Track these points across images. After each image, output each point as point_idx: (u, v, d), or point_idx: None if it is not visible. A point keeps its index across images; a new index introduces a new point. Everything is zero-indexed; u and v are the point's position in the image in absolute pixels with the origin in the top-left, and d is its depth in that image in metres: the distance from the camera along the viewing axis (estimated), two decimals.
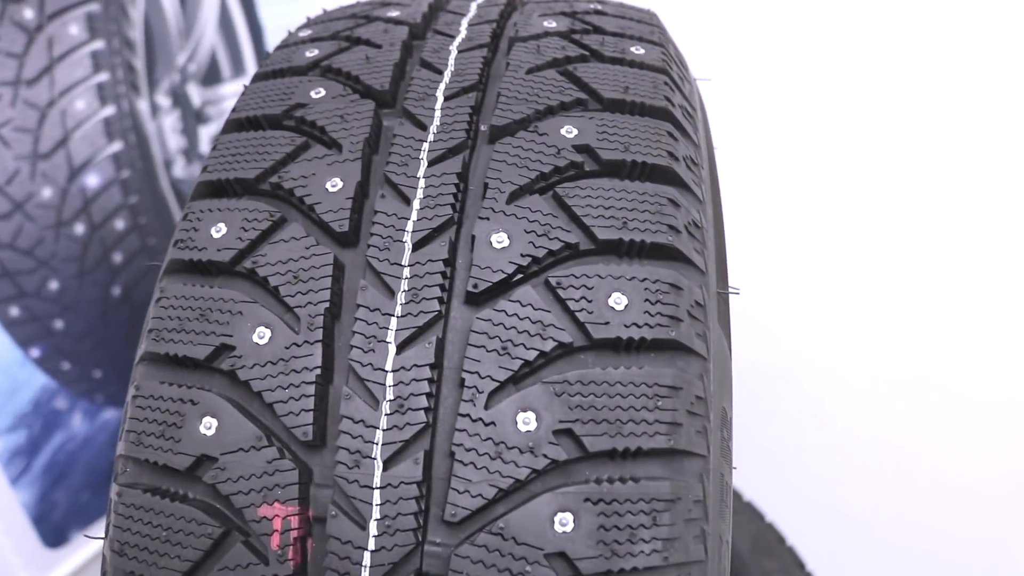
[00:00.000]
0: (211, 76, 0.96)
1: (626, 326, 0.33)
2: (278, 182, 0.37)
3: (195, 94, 0.95)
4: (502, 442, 0.31)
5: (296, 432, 0.32)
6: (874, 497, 1.21)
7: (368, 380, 0.32)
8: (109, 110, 0.84)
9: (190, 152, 0.96)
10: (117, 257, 0.89)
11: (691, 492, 0.32)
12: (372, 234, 0.35)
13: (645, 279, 0.34)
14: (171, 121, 0.92)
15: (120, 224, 0.88)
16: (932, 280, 1.14)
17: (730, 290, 0.44)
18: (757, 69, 1.07)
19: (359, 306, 0.34)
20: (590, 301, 0.33)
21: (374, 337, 0.33)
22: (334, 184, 0.37)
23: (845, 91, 1.05)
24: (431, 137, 0.38)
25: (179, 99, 0.93)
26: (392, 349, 0.33)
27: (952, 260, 1.12)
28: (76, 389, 0.91)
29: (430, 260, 0.34)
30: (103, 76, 0.83)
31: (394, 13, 0.47)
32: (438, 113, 0.39)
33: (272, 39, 1.04)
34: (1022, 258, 1.10)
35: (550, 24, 0.45)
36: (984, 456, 1.19)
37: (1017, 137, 1.04)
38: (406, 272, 0.34)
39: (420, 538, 0.31)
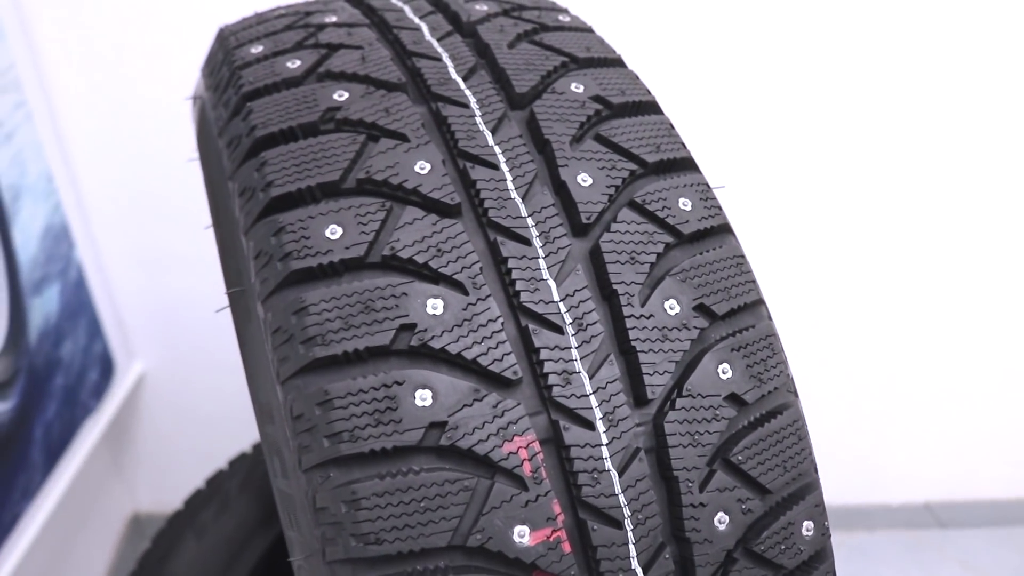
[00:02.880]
0: None
1: (698, 220, 0.42)
2: (367, 176, 0.40)
3: None
4: (664, 327, 0.39)
5: (506, 374, 0.37)
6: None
7: (546, 314, 0.38)
8: None
9: None
10: None
11: (774, 328, 0.43)
12: (483, 199, 0.40)
13: (690, 184, 0.44)
14: None
15: None
16: (928, 282, 1.24)
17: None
18: (754, 69, 1.09)
19: (506, 259, 0.39)
20: (669, 208, 0.42)
21: (533, 279, 0.39)
22: (422, 167, 0.40)
23: (840, 92, 1.10)
24: (478, 112, 0.43)
25: None
26: (553, 284, 0.39)
27: (948, 262, 1.23)
28: None
29: (543, 207, 0.40)
30: None
31: (334, 19, 0.50)
32: (467, 92, 0.44)
33: None
34: (1015, 260, 1.23)
35: (483, 7, 0.51)
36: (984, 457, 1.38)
37: (1007, 138, 1.14)
38: (530, 221, 0.40)
39: (638, 420, 0.38)
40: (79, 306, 1.13)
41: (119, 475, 1.38)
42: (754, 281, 0.43)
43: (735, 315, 0.41)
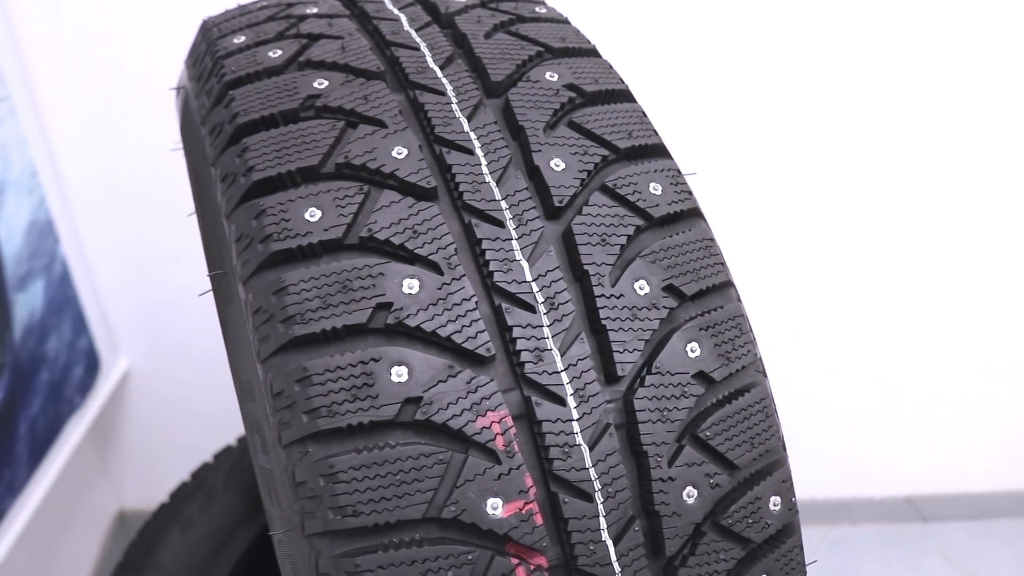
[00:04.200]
0: None
1: (668, 204, 0.44)
2: (346, 161, 0.41)
3: None
4: (633, 307, 0.40)
5: (480, 351, 0.38)
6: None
7: (519, 293, 0.39)
8: None
9: None
10: None
11: (742, 309, 0.44)
12: (458, 183, 0.41)
13: (661, 170, 0.45)
14: None
15: None
16: (907, 277, 1.25)
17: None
18: (749, 66, 1.09)
19: (480, 240, 0.40)
20: (640, 192, 0.43)
21: (506, 260, 0.40)
22: (399, 152, 0.41)
23: (838, 88, 1.10)
24: (454, 99, 0.44)
25: None
26: (526, 265, 0.40)
27: (929, 257, 1.23)
28: None
29: (516, 190, 0.41)
30: None
31: (315, 10, 0.51)
32: (444, 80, 0.45)
33: None
34: (995, 255, 1.23)
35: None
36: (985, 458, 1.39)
37: (1000, 135, 1.14)
38: (503, 204, 0.41)
39: (608, 397, 0.39)
40: (64, 301, 1.14)
41: (105, 471, 1.38)
42: (723, 263, 0.44)
43: (704, 296, 0.43)
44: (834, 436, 1.42)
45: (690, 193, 0.45)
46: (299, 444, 0.37)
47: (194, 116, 0.49)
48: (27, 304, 1.06)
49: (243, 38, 0.49)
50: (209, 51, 0.49)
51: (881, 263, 1.25)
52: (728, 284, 0.44)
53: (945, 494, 1.48)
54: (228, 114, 0.44)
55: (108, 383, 1.26)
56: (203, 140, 0.46)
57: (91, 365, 1.22)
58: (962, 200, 1.21)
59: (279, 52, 0.46)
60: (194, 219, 0.56)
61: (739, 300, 0.44)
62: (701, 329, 0.41)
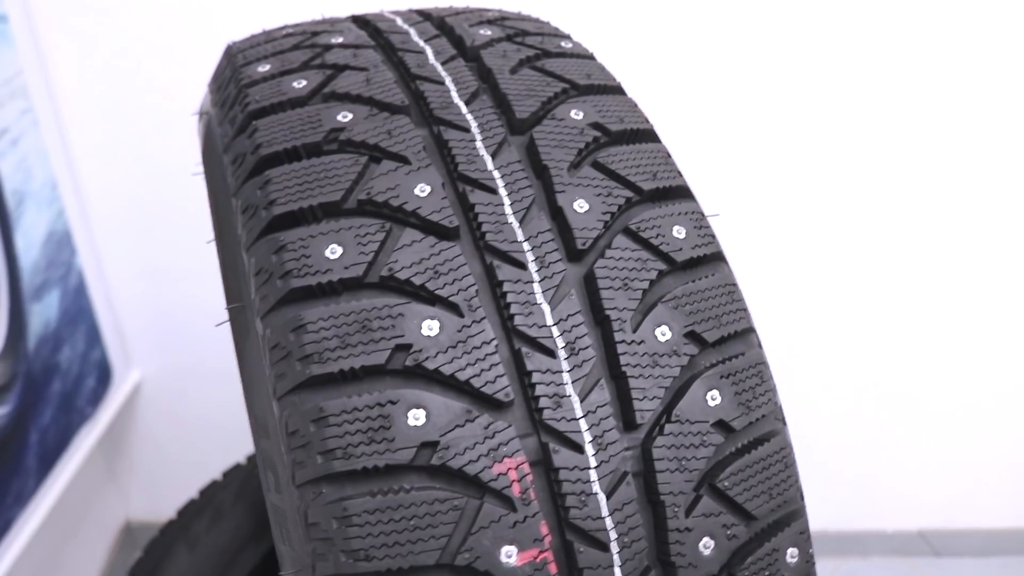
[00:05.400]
0: None
1: (692, 248, 0.43)
2: (368, 198, 0.41)
3: None
4: (654, 353, 0.40)
5: (498, 396, 0.37)
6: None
7: (539, 338, 0.39)
8: None
9: None
10: None
11: (763, 357, 0.44)
12: (480, 223, 0.41)
13: (685, 212, 0.44)
14: None
15: None
16: (922, 307, 1.24)
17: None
18: (750, 74, 1.09)
19: (501, 282, 0.39)
20: (664, 236, 0.43)
21: (527, 303, 0.39)
22: (422, 189, 0.41)
23: (834, 94, 1.10)
24: (479, 136, 0.44)
25: None
26: (547, 308, 0.39)
27: (942, 285, 1.22)
28: None
29: (539, 232, 0.41)
30: None
31: (340, 39, 0.51)
32: (469, 116, 0.45)
33: None
34: (1014, 283, 1.23)
35: (487, 32, 0.52)
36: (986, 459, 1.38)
37: (991, 142, 1.13)
38: (526, 246, 0.41)
39: (627, 445, 0.38)
40: (78, 313, 1.14)
41: (113, 482, 1.38)
42: (745, 309, 0.43)
43: (725, 343, 0.42)
44: (847, 467, 1.40)
45: (713, 237, 0.45)
46: (313, 485, 0.36)
47: (216, 143, 0.48)
48: (42, 314, 1.06)
49: (268, 66, 0.48)
50: (234, 78, 0.49)
51: (899, 290, 1.24)
52: (750, 330, 0.43)
53: (958, 529, 1.46)
54: (251, 144, 0.44)
55: (119, 395, 1.26)
56: (225, 169, 0.45)
57: (103, 376, 1.22)
58: (990, 225, 1.19)
59: (304, 83, 0.46)
60: (212, 238, 0.56)
61: (760, 347, 0.44)
62: (722, 377, 0.41)
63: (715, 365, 0.41)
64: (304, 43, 0.51)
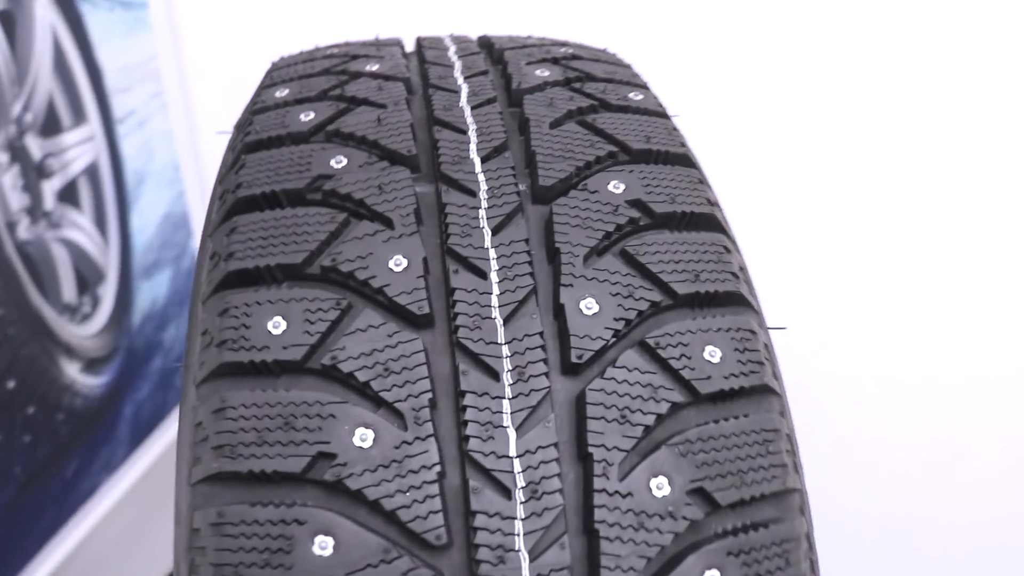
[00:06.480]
0: (50, 126, 0.86)
1: (725, 377, 0.34)
2: (332, 265, 0.34)
3: (35, 146, 0.84)
4: (642, 511, 0.31)
5: (427, 537, 0.30)
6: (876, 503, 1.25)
7: (495, 470, 0.31)
8: None
9: (34, 211, 0.85)
10: None
11: (803, 528, 0.34)
12: (457, 313, 0.33)
13: (728, 328, 0.35)
14: (10, 178, 0.81)
15: None
16: (931, 287, 1.15)
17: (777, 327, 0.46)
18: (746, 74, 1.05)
19: (464, 392, 0.32)
20: (689, 358, 0.34)
21: (490, 423, 0.32)
22: (398, 263, 0.34)
23: (833, 97, 1.05)
24: (484, 204, 0.37)
25: (17, 153, 0.82)
26: (512, 434, 0.32)
27: (951, 266, 1.13)
28: None
29: (527, 335, 0.33)
30: None
31: (375, 67, 0.45)
32: (481, 176, 0.38)
33: (112, 81, 0.94)
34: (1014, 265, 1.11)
35: (544, 73, 0.44)
36: (986, 460, 1.25)
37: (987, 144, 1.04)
38: (505, 351, 0.33)
39: None
40: (188, 294, 1.16)
41: None
42: (784, 466, 0.34)
43: (745, 507, 0.33)
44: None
45: (760, 364, 0.35)
46: None
47: (221, 169, 0.44)
48: (150, 292, 1.09)
49: (286, 91, 0.43)
50: (253, 100, 0.44)
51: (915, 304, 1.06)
52: (786, 493, 0.34)
53: None
54: (234, 182, 0.39)
55: None
56: (214, 203, 0.41)
57: None
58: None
59: (311, 115, 0.41)
60: None
61: (799, 517, 0.34)
62: (730, 554, 0.31)
63: (723, 536, 0.32)
64: (336, 67, 0.45)
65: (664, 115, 0.43)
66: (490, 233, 0.36)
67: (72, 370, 0.93)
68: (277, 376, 0.33)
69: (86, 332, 0.96)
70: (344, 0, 1.00)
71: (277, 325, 0.33)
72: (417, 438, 0.31)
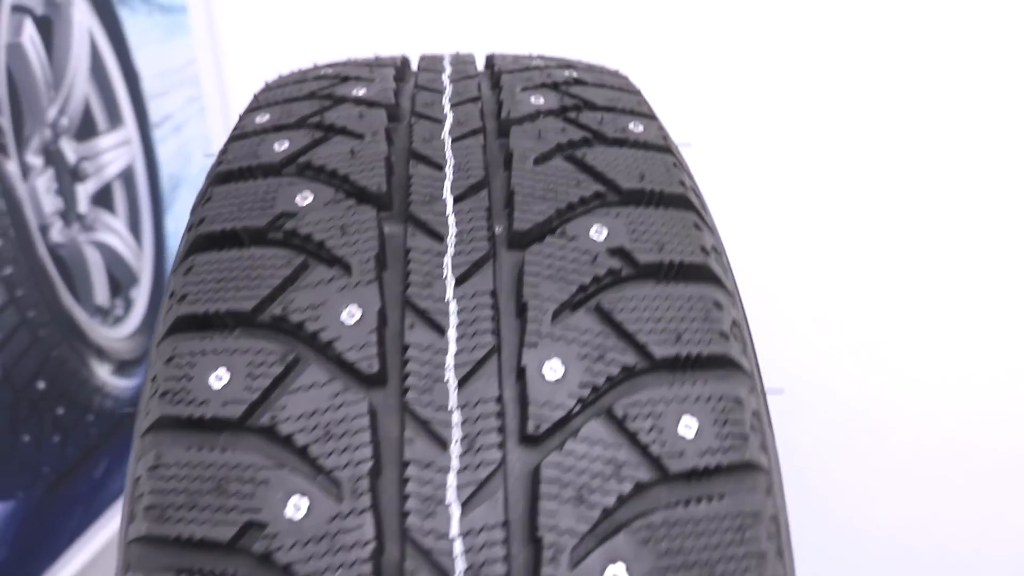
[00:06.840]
0: (86, 129, 0.87)
1: (700, 454, 0.31)
2: (283, 314, 0.32)
3: (69, 150, 0.85)
4: None
5: None
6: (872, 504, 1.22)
7: (433, 552, 0.28)
8: None
9: (68, 214, 0.85)
10: None
11: None
12: (408, 373, 0.31)
13: (710, 398, 0.32)
14: (44, 181, 0.82)
15: None
16: (931, 287, 1.12)
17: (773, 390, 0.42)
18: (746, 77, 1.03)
19: (407, 462, 0.30)
20: (661, 431, 0.31)
21: (432, 499, 0.29)
22: (351, 314, 0.32)
23: (834, 98, 1.03)
24: (451, 249, 0.34)
25: (52, 157, 0.83)
26: (456, 511, 0.29)
27: (951, 266, 1.11)
28: None
29: (481, 401, 0.31)
30: None
31: (361, 92, 0.42)
32: (451, 219, 0.35)
33: (149, 86, 0.94)
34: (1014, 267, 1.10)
35: (538, 101, 0.41)
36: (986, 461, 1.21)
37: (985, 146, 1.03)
38: (456, 417, 0.30)
39: None
40: None
41: None
42: (761, 554, 0.30)
43: None
44: None
45: (743, 438, 0.32)
46: None
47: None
48: None
49: (267, 117, 0.41)
50: (236, 124, 0.43)
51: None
52: None
53: None
54: (198, 217, 0.37)
55: None
56: (184, 237, 0.39)
57: None
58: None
59: (285, 145, 0.39)
60: None
61: None
62: None
63: None
64: (322, 91, 0.43)
65: (665, 149, 0.40)
66: (453, 283, 0.33)
67: (103, 372, 0.94)
68: (217, 433, 0.31)
69: (118, 335, 0.96)
70: (383, 4, 0.99)
71: (220, 378, 0.31)
72: (352, 511, 0.29)
